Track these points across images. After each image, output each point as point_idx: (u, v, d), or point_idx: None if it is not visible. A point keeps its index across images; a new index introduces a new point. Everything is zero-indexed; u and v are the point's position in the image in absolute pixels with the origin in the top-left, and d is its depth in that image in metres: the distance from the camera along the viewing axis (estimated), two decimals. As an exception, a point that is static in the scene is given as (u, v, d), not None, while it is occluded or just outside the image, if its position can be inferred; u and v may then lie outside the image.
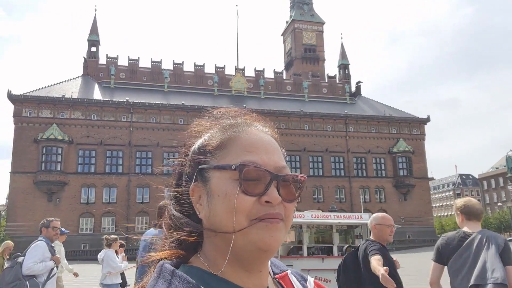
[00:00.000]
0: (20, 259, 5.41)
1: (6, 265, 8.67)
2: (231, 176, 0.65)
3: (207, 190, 0.67)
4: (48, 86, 53.91)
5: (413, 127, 62.45)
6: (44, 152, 48.38)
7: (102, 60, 59.23)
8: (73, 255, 43.93)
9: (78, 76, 57.59)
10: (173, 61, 61.06)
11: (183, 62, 61.35)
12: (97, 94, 54.36)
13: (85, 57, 58.52)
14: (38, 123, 49.49)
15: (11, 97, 49.14)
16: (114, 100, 52.82)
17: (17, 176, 47.59)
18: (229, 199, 0.64)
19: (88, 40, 59.23)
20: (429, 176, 64.80)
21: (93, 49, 59.05)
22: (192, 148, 0.74)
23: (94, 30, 59.67)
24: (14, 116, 49.21)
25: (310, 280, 0.79)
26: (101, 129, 51.59)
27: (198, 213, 0.69)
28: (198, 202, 0.69)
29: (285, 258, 11.07)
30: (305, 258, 11.35)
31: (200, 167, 0.69)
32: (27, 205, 46.62)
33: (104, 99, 52.97)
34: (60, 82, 55.25)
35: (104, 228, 49.60)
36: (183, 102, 54.45)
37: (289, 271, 0.77)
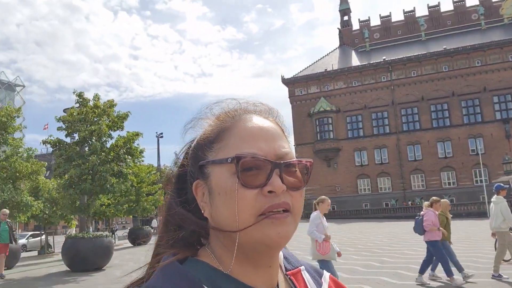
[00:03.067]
0: None
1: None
2: (228, 169, 0.61)
3: (209, 187, 0.64)
4: (312, 64, 59.08)
5: None
6: (317, 123, 53.72)
7: (355, 26, 60.25)
8: (356, 214, 47.48)
9: (336, 48, 60.63)
10: (428, 4, 56.06)
11: (439, 3, 55.47)
12: (354, 60, 55.92)
13: (339, 27, 60.86)
14: (308, 99, 55.19)
15: (285, 81, 56.52)
16: (371, 62, 53.12)
17: (300, 148, 54.60)
18: (229, 195, 0.60)
19: (340, 11, 61.31)
20: None
21: (345, 18, 60.78)
22: (192, 144, 0.70)
23: (343, -1, 61.28)
24: (289, 97, 56.51)
25: (326, 275, 0.75)
26: (363, 93, 52.97)
27: (203, 211, 0.65)
28: (202, 200, 0.65)
29: None
30: None
31: (199, 163, 0.65)
32: (311, 172, 52.85)
33: (362, 63, 53.96)
34: (321, 58, 59.62)
35: (381, 187, 51.17)
36: (444, 47, 49.46)
37: (302, 267, 0.73)
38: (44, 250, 20.30)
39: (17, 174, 14.80)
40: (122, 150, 13.08)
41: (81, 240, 11.89)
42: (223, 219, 0.61)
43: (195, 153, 0.67)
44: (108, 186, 12.19)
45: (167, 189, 0.72)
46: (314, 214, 6.28)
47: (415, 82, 50.50)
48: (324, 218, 6.27)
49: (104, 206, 19.83)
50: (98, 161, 12.04)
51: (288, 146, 0.66)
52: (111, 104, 13.26)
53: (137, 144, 13.60)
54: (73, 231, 22.80)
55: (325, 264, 6.04)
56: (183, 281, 0.59)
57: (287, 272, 0.70)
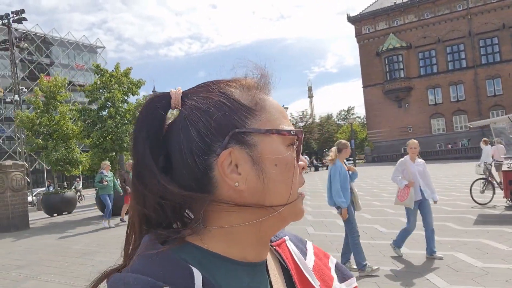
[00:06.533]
0: None
1: None
2: (283, 141, 0.55)
3: (253, 157, 0.54)
4: (381, -3, 55.45)
5: None
6: (386, 62, 51.37)
7: (430, -51, 54.49)
8: (428, 155, 45.89)
9: (408, -23, 55.79)
10: None
11: None
12: (427, -10, 51.31)
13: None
14: (377, 37, 52.62)
15: (350, 19, 54.17)
16: (446, -10, 48.51)
17: (368, 89, 53.14)
18: (289, 168, 0.55)
19: None
20: None
21: None
22: (202, 109, 0.55)
23: None
24: (356, 36, 54.29)
25: (309, 244, 0.72)
26: (436, 26, 49.09)
27: (235, 184, 0.53)
28: (235, 171, 0.54)
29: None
30: None
31: (237, 130, 0.54)
32: (381, 114, 51.61)
33: (436, -8, 49.47)
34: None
35: (457, 126, 48.41)
36: (532, -36, 43.26)
37: (286, 237, 0.69)
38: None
39: (67, 136, 17.52)
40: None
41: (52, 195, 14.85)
42: (276, 191, 0.55)
43: (227, 117, 0.54)
44: (125, 145, 14.20)
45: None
46: (401, 160, 6.05)
47: (495, 9, 45.41)
48: (414, 164, 5.94)
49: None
50: (114, 124, 13.99)
51: None
52: (126, 72, 14.97)
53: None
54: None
55: (408, 211, 5.86)
56: (170, 263, 0.51)
57: (272, 244, 0.66)
